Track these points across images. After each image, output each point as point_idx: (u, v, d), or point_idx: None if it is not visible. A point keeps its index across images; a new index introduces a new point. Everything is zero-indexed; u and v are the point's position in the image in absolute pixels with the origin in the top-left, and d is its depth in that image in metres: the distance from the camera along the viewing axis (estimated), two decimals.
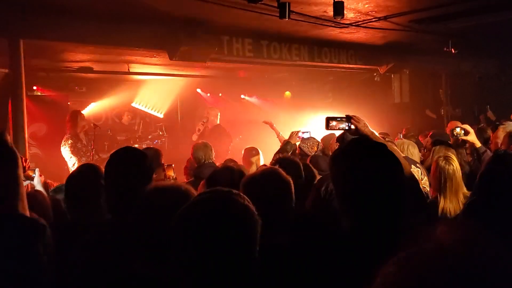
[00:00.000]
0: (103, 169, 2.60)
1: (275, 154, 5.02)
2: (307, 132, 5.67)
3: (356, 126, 2.73)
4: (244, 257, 1.24)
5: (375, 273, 1.42)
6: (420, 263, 0.72)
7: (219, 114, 8.22)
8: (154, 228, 1.64)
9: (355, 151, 1.59)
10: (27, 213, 1.46)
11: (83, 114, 7.49)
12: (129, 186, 2.24)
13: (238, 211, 1.26)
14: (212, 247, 1.21)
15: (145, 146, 8.91)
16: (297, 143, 5.26)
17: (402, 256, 0.76)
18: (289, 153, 5.01)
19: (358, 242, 1.53)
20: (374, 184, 1.50)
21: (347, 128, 2.81)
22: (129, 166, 2.32)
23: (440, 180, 3.60)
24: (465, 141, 4.55)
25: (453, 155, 3.90)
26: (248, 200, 1.33)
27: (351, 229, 1.55)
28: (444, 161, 3.63)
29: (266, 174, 2.24)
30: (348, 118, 2.78)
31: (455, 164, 3.64)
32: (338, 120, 2.85)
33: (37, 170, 4.07)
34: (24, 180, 3.96)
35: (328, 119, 2.89)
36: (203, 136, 7.38)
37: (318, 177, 3.60)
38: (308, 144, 4.90)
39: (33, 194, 3.26)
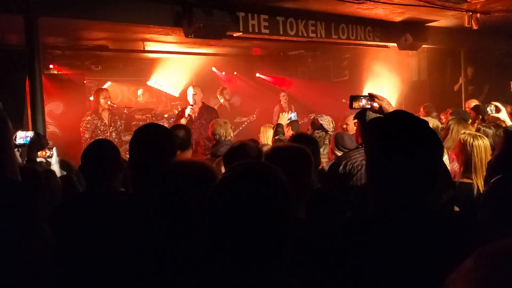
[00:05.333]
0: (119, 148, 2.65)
1: (273, 137, 5.26)
2: (294, 113, 5.91)
3: (380, 105, 2.72)
4: (282, 232, 1.23)
5: (404, 254, 1.40)
6: (506, 260, 0.63)
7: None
8: (179, 202, 1.64)
9: (398, 123, 1.54)
10: (18, 179, 1.41)
11: (106, 92, 7.48)
12: (153, 161, 2.27)
13: (277, 185, 1.24)
14: (250, 222, 1.19)
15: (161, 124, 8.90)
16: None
17: (484, 251, 0.66)
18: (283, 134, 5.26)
19: (386, 220, 1.49)
20: (415, 158, 1.46)
21: (369, 106, 2.80)
22: (153, 142, 2.34)
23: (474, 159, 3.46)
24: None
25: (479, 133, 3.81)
26: (282, 173, 1.31)
27: (379, 204, 1.51)
28: (474, 139, 3.54)
29: (292, 147, 2.25)
30: (371, 97, 2.76)
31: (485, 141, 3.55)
32: (362, 99, 2.83)
33: (54, 149, 4.10)
34: (39, 157, 4.01)
35: (352, 98, 2.86)
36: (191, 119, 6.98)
37: (340, 153, 3.58)
38: (325, 121, 4.94)
39: (44, 173, 3.30)
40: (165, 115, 10.69)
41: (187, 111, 6.84)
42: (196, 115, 6.96)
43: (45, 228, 1.47)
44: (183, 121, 6.53)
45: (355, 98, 2.84)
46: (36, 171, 3.03)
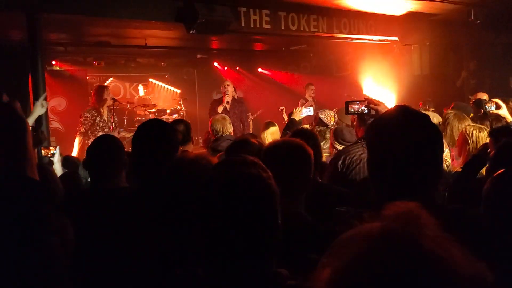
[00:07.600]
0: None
1: (283, 130, 5.19)
2: (309, 108, 5.80)
3: (376, 110, 2.70)
4: (263, 227, 1.26)
5: None
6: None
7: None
8: (181, 197, 1.67)
9: (398, 117, 1.54)
10: (36, 178, 1.42)
11: (109, 89, 7.53)
12: (156, 157, 2.30)
13: (251, 184, 1.27)
14: (229, 219, 1.23)
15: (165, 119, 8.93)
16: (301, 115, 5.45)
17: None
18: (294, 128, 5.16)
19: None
20: (416, 151, 1.47)
21: (366, 111, 2.80)
22: (156, 138, 2.36)
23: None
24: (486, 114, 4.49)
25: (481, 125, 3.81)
26: (266, 169, 1.33)
27: (380, 200, 1.52)
28: (479, 131, 3.55)
29: (288, 143, 2.26)
30: (368, 101, 2.77)
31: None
32: (358, 104, 2.84)
33: (57, 148, 4.13)
34: (44, 156, 4.04)
35: (348, 104, 2.87)
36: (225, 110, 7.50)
37: (340, 147, 3.60)
38: (326, 115, 4.93)
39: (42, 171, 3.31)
40: (168, 110, 10.72)
41: (223, 105, 7.49)
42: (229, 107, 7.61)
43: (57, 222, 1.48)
44: (220, 109, 7.32)
45: (350, 103, 2.86)
46: (47, 169, 3.05)
